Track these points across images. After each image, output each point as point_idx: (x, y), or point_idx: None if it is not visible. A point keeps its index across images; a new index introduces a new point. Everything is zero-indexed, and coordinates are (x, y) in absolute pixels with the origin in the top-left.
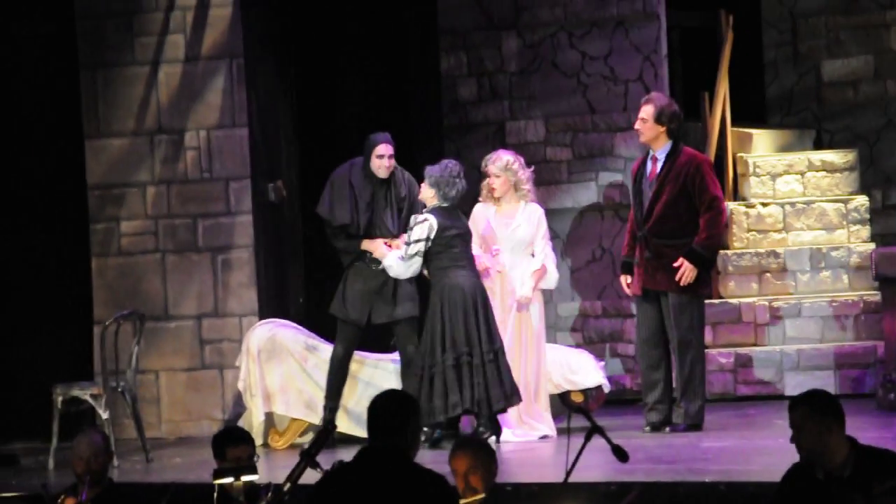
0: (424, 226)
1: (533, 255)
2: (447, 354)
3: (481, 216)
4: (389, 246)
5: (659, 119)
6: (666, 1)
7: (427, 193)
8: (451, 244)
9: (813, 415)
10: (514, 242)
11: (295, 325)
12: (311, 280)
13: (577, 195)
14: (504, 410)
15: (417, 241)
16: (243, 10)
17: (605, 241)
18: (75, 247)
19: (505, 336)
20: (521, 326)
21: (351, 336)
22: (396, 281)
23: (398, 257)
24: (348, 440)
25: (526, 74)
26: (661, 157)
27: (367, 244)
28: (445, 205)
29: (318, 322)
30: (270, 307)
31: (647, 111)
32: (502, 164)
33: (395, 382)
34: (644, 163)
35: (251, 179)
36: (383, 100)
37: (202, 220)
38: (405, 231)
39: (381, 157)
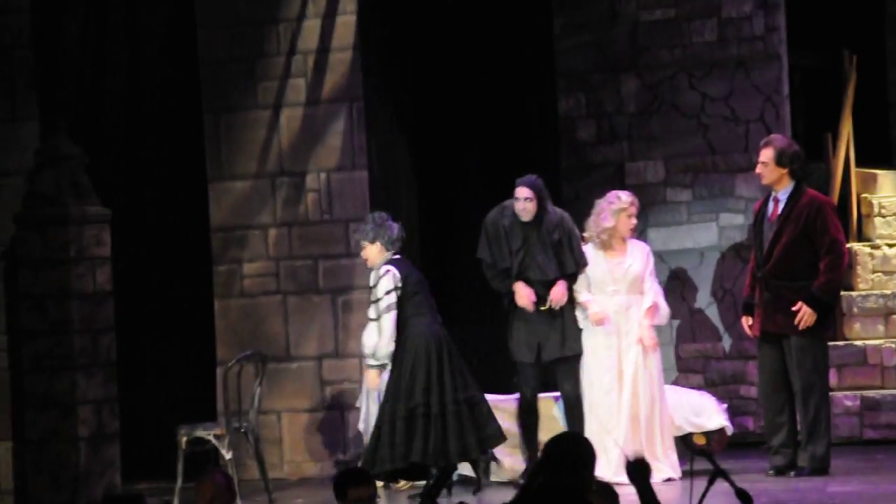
0: (389, 277)
1: (642, 293)
2: (400, 406)
3: (592, 259)
4: (534, 300)
5: (779, 161)
6: (787, 41)
7: (372, 251)
8: (414, 291)
9: None
10: (629, 281)
11: None
12: None
13: (698, 236)
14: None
15: (387, 292)
16: (363, 53)
17: (727, 281)
18: (199, 289)
19: (625, 378)
20: (638, 367)
21: (528, 377)
22: (564, 318)
23: (371, 318)
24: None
25: (645, 115)
26: (783, 198)
27: (517, 286)
28: (393, 252)
29: None
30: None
31: (766, 154)
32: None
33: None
34: (766, 203)
35: None
36: (502, 141)
37: (323, 261)
38: (563, 274)
39: (516, 199)
